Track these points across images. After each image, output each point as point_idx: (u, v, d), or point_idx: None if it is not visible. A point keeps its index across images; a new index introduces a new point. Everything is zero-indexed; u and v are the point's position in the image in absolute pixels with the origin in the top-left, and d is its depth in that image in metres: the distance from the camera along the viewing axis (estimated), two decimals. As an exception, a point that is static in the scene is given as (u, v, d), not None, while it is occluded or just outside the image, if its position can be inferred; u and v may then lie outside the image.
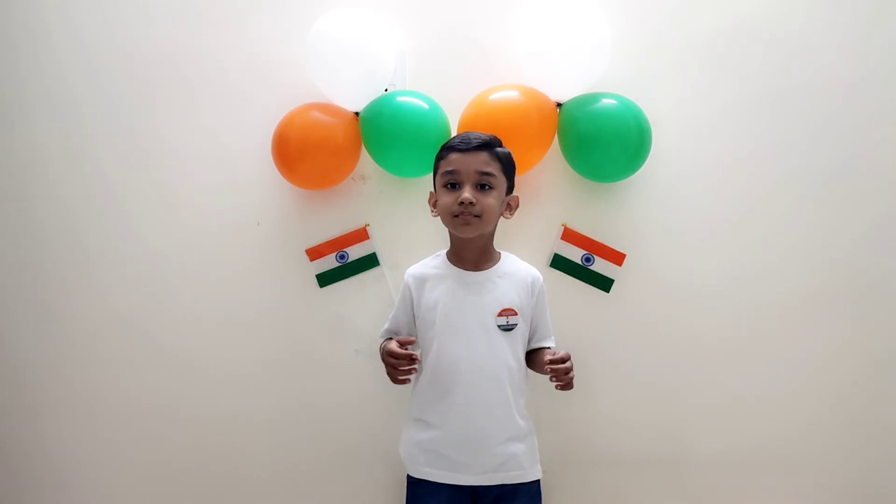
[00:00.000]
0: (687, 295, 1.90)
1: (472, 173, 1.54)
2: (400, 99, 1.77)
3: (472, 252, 1.62)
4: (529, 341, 1.66)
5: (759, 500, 1.90)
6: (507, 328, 1.58)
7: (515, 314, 1.58)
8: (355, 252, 1.91)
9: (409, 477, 1.62)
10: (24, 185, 1.99)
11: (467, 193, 1.52)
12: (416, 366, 1.52)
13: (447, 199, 1.55)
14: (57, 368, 1.98)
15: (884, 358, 1.89)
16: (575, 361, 1.87)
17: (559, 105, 1.80)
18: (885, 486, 1.90)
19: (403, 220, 1.88)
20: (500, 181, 1.57)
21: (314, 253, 1.91)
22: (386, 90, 1.83)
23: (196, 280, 1.95)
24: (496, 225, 1.63)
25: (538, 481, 1.61)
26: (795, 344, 1.90)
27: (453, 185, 1.55)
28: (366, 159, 1.86)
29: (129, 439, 1.97)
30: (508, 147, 1.66)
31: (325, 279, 1.91)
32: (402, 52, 1.89)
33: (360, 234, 1.91)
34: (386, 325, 1.70)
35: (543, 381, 1.73)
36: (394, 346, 1.53)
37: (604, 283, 1.89)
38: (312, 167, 1.80)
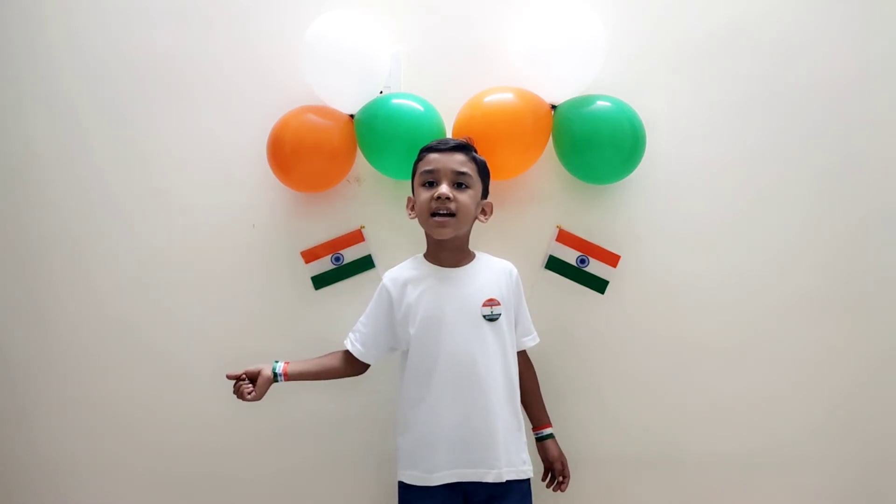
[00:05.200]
0: (682, 296, 1.90)
1: (449, 171, 1.56)
2: (395, 101, 1.78)
3: (449, 252, 1.64)
4: None
5: (754, 502, 1.90)
6: (492, 318, 1.59)
7: (499, 304, 1.60)
8: (350, 254, 1.91)
9: (400, 482, 1.61)
10: (18, 187, 1.98)
11: (444, 188, 1.54)
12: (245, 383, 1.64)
13: (424, 195, 1.57)
14: (51, 371, 1.98)
15: (880, 359, 1.90)
16: (570, 363, 1.89)
17: (553, 107, 1.80)
18: (882, 487, 1.91)
19: (398, 222, 1.88)
20: (476, 182, 1.60)
21: (309, 255, 1.92)
22: (381, 92, 1.83)
23: (191, 282, 1.95)
24: (471, 227, 1.64)
25: (529, 480, 1.61)
26: (791, 345, 1.90)
27: (431, 184, 1.58)
28: (361, 162, 1.86)
29: (122, 442, 1.96)
30: (503, 148, 1.67)
31: (320, 281, 1.91)
32: (397, 54, 1.90)
33: (356, 237, 1.91)
34: (362, 329, 1.67)
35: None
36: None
37: (599, 285, 1.89)
38: (308, 170, 1.80)
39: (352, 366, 1.70)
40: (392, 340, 1.66)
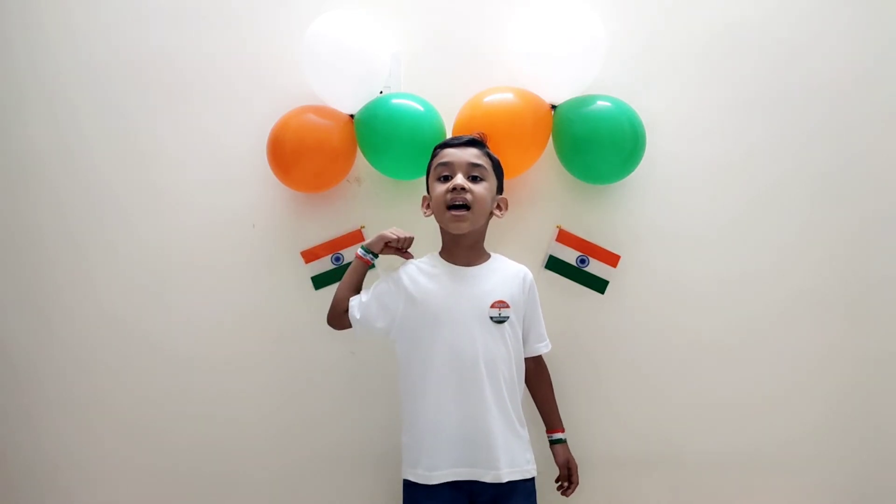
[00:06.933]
0: (682, 296, 1.90)
1: (464, 164, 1.58)
2: (395, 101, 1.78)
3: (464, 249, 1.64)
4: (525, 343, 1.67)
5: (755, 501, 1.90)
6: (500, 320, 1.59)
7: (508, 306, 1.60)
8: (350, 254, 1.90)
9: (405, 480, 1.61)
10: (20, 186, 1.98)
11: (459, 179, 1.56)
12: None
13: (440, 189, 1.58)
14: (53, 369, 1.98)
15: (879, 358, 1.90)
16: (570, 363, 1.89)
17: (553, 107, 1.80)
18: (882, 486, 1.91)
19: (398, 223, 1.87)
20: (491, 176, 1.61)
21: (309, 255, 1.92)
22: (381, 92, 1.84)
23: (192, 282, 1.95)
24: (487, 223, 1.64)
25: (533, 479, 1.61)
26: (790, 345, 1.90)
27: (446, 178, 1.59)
28: (361, 162, 1.86)
29: (124, 440, 1.96)
30: (503, 148, 1.68)
31: (320, 281, 1.91)
32: (397, 54, 1.90)
33: (356, 237, 1.91)
34: (363, 299, 1.64)
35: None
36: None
37: (598, 285, 1.89)
38: (308, 170, 1.80)
39: (346, 316, 1.66)
40: (385, 320, 1.63)
